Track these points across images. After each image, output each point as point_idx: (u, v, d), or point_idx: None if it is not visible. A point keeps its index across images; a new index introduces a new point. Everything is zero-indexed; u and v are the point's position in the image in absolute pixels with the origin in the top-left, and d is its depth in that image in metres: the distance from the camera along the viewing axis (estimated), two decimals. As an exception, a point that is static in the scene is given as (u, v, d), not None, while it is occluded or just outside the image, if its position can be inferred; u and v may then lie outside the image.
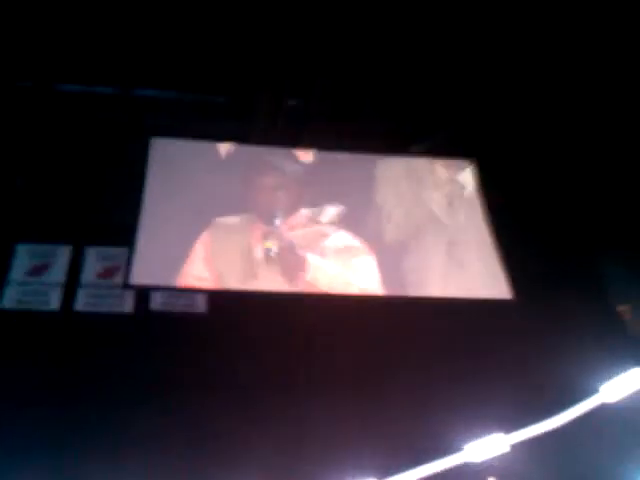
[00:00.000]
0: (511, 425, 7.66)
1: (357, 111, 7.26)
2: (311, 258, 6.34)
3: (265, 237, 6.34)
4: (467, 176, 7.11)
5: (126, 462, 5.87)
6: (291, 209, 6.60)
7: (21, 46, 6.43)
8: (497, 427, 7.72)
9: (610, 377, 7.38)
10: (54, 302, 6.51)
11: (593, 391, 7.49)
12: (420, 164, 7.18)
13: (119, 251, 6.59)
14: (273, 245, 6.25)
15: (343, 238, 6.54)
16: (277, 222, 6.36)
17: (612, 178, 7.13)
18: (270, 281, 6.21)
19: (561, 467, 7.23)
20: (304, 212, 6.60)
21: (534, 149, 7.25)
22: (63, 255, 6.76)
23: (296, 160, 6.92)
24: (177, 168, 6.71)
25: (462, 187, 7.04)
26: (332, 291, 6.32)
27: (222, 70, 6.94)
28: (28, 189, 6.98)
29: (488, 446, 7.95)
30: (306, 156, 6.96)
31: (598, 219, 7.29)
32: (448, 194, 7.06)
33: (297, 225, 6.55)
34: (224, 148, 6.91)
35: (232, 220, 6.47)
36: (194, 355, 6.43)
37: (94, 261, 6.78)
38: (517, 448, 7.61)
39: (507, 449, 7.68)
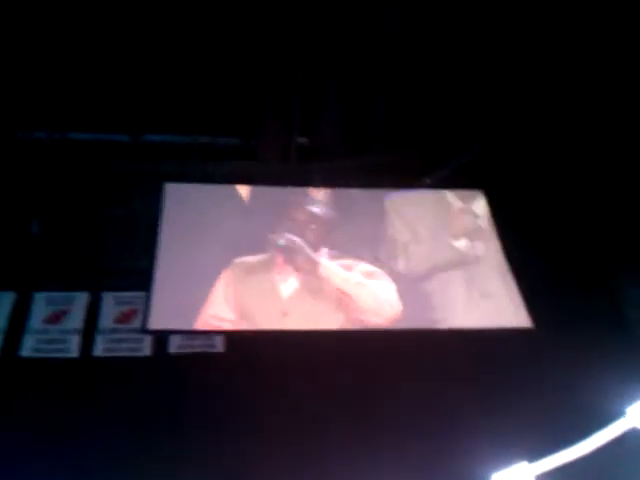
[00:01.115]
0: (537, 453, 7.57)
1: (366, 145, 7.34)
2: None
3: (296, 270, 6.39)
4: (479, 206, 7.13)
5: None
6: (316, 247, 6.60)
7: (35, 97, 6.63)
8: (523, 456, 7.63)
9: (636, 400, 7.31)
10: (73, 349, 6.52)
11: (620, 415, 7.40)
12: (432, 196, 7.22)
13: (136, 295, 6.61)
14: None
15: (365, 267, 6.54)
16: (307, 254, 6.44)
17: (625, 201, 7.13)
18: (300, 317, 6.19)
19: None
20: (326, 251, 6.61)
21: (544, 176, 7.27)
22: (80, 302, 6.80)
23: (316, 199, 6.95)
24: (192, 212, 6.74)
25: (475, 217, 7.04)
26: (344, 291, 6.27)
27: (231, 112, 7.07)
28: (44, 236, 7.06)
29: (514, 476, 7.84)
30: (321, 194, 7.00)
31: (614, 243, 7.27)
32: (462, 225, 7.07)
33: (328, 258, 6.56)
34: (241, 190, 6.92)
35: (253, 259, 6.49)
36: (212, 395, 6.42)
37: (111, 306, 6.82)
38: (545, 477, 7.51)
39: (534, 479, 7.58)
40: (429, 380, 6.93)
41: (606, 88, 6.58)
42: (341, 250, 6.59)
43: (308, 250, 6.42)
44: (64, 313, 6.71)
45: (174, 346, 6.60)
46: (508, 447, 7.34)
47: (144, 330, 6.04)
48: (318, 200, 6.89)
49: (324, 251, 6.56)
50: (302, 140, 7.28)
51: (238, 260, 6.41)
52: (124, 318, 6.75)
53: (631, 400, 7.19)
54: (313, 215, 6.78)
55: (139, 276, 6.39)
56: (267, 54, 6.49)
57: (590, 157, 7.03)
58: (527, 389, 6.88)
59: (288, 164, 7.28)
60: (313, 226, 6.68)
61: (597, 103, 6.71)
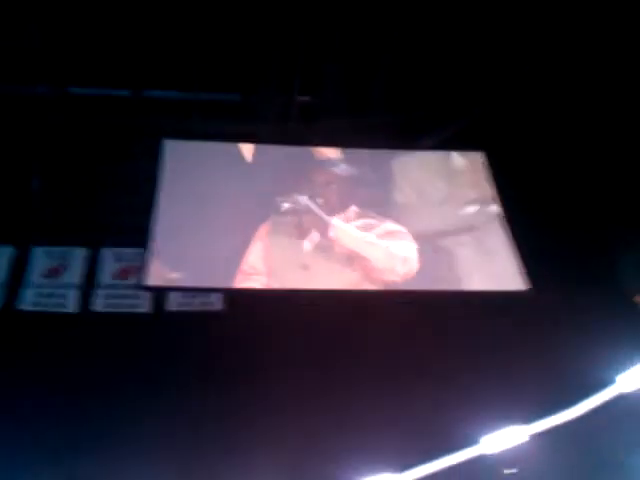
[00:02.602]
0: (528, 417, 7.69)
1: (367, 105, 7.27)
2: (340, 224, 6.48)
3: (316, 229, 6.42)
4: (479, 169, 7.09)
5: (139, 457, 5.96)
6: (341, 205, 6.62)
7: (36, 52, 6.52)
8: (514, 419, 7.76)
9: (626, 368, 7.40)
10: (71, 304, 6.58)
11: (610, 382, 7.50)
12: (438, 157, 7.19)
13: (135, 252, 6.60)
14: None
15: (390, 226, 6.55)
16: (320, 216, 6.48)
17: (625, 167, 7.09)
18: (319, 273, 6.25)
19: (578, 458, 7.24)
20: (354, 209, 6.61)
21: (545, 140, 7.21)
22: (79, 257, 6.83)
23: (330, 158, 6.95)
24: (193, 169, 6.71)
25: (476, 180, 7.01)
26: (355, 251, 6.34)
27: (232, 69, 6.97)
28: (44, 191, 7.04)
29: (505, 438, 7.99)
30: (333, 154, 6.98)
31: (613, 210, 7.26)
32: (467, 187, 7.05)
33: (348, 220, 6.57)
34: (244, 148, 6.88)
35: (277, 219, 6.50)
36: (210, 352, 6.50)
37: (110, 262, 6.86)
38: (534, 440, 7.65)
39: (524, 441, 7.72)
40: (422, 343, 7.02)
41: (609, 51, 6.49)
42: (365, 208, 6.65)
43: (318, 211, 6.45)
44: (63, 268, 6.75)
45: (173, 303, 6.67)
46: (500, 410, 7.48)
47: (140, 286, 6.05)
48: (333, 159, 6.89)
49: (351, 210, 6.60)
50: (303, 99, 7.18)
51: (274, 216, 6.49)
52: (123, 274, 6.78)
53: (622, 368, 7.29)
54: (333, 175, 6.80)
55: (139, 233, 6.37)
56: (270, 9, 6.37)
57: (593, 121, 6.96)
58: (521, 353, 6.97)
59: (289, 123, 7.20)
60: (334, 186, 6.71)
61: (601, 65, 6.62)
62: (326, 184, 6.79)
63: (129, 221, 6.77)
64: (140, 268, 6.22)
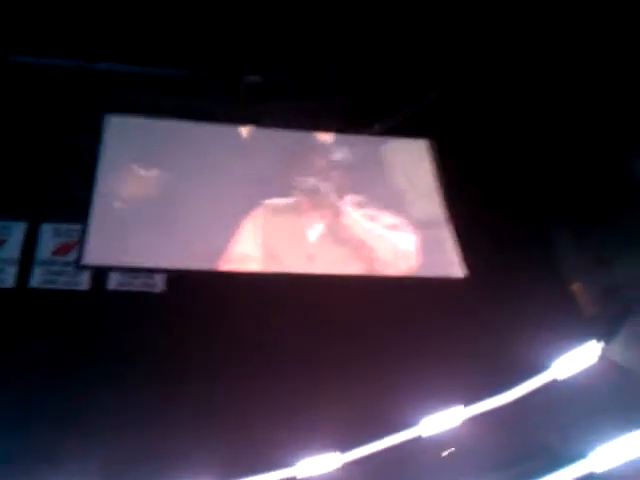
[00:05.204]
0: (465, 400, 7.87)
1: (318, 88, 7.20)
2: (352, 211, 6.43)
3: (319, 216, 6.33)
4: (425, 156, 7.11)
5: (70, 432, 5.93)
6: (343, 192, 6.57)
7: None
8: (451, 402, 7.93)
9: (562, 354, 7.59)
10: (9, 279, 6.43)
11: (545, 367, 7.70)
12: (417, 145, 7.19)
13: (76, 228, 6.46)
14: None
15: (389, 218, 6.51)
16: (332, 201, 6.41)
17: (563, 155, 7.19)
18: (325, 261, 6.20)
19: (512, 441, 7.44)
20: (353, 197, 6.55)
21: (490, 128, 7.26)
22: (18, 231, 6.67)
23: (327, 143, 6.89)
24: (135, 145, 6.57)
25: (419, 166, 7.04)
26: (365, 242, 6.31)
27: (181, 44, 6.82)
28: (-19, 162, 6.84)
29: (442, 420, 8.16)
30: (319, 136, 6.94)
31: (554, 198, 7.38)
32: (410, 173, 7.06)
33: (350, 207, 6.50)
34: (187, 126, 6.74)
35: (280, 201, 6.41)
36: (150, 333, 6.45)
37: (50, 237, 6.71)
38: (470, 422, 7.83)
39: (460, 423, 7.90)
40: (362, 327, 7.09)
41: (553, 40, 6.53)
42: (366, 198, 6.59)
43: (332, 196, 6.38)
44: (1, 242, 6.59)
45: (113, 282, 6.58)
46: (438, 394, 7.63)
47: (78, 264, 5.92)
48: (329, 144, 6.83)
49: (348, 198, 6.54)
50: (253, 78, 7.08)
51: (269, 202, 6.34)
52: (63, 250, 6.65)
53: (557, 354, 7.49)
54: (335, 162, 6.72)
55: (80, 208, 6.25)
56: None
57: (537, 111, 7.04)
58: (457, 338, 7.10)
59: (237, 102, 7.10)
60: (335, 172, 6.64)
61: (547, 57, 6.67)
62: (329, 169, 6.72)
63: (70, 196, 6.60)
64: (79, 245, 6.09)
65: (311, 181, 6.46)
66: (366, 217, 6.43)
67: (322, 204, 6.39)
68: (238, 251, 6.06)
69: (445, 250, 6.51)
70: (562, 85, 6.77)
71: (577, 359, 7.51)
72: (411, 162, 7.09)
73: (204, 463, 7.47)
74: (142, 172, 6.45)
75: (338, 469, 7.90)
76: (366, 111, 7.34)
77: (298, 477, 7.72)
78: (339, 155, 6.80)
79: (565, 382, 7.43)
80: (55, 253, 6.61)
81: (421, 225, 6.57)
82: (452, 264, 6.43)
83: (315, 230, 6.26)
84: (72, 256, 6.44)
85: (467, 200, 6.94)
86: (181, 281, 6.55)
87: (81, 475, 5.89)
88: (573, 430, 7.32)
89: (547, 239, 7.63)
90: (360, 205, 6.49)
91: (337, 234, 6.27)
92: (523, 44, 6.66)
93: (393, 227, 6.47)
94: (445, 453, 8.00)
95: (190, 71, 7.09)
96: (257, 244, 6.11)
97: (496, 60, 6.74)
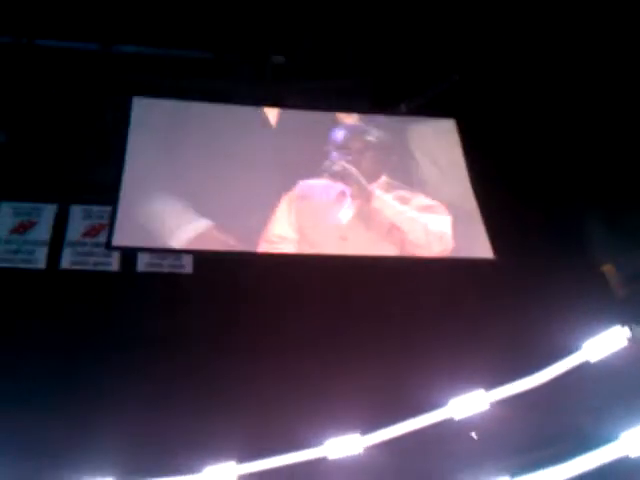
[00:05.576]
0: (494, 382, 7.83)
1: (343, 68, 7.13)
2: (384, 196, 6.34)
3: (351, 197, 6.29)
4: (452, 136, 7.01)
5: (106, 411, 6.01)
6: (374, 174, 6.53)
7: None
8: (480, 384, 7.89)
9: (593, 335, 7.51)
10: (40, 260, 6.51)
11: (576, 349, 7.62)
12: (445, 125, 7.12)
13: (106, 210, 6.48)
14: None
15: (423, 200, 6.46)
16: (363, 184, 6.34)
17: (593, 136, 7.06)
18: (357, 243, 6.07)
19: (542, 423, 7.39)
20: (384, 178, 6.50)
21: (518, 109, 7.13)
22: (48, 213, 6.74)
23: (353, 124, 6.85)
24: (164, 127, 6.53)
25: (445, 148, 6.94)
26: (396, 225, 6.23)
27: (206, 26, 6.79)
28: (11, 145, 6.90)
29: (472, 402, 8.13)
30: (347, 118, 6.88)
31: (582, 180, 7.26)
32: (438, 154, 6.98)
33: (380, 189, 6.45)
34: (211, 108, 6.71)
35: (312, 183, 6.30)
36: (179, 313, 6.51)
37: (80, 220, 6.77)
38: (501, 404, 7.79)
39: (490, 405, 7.86)
40: (391, 309, 7.08)
41: (581, 20, 6.38)
42: (396, 179, 6.51)
43: (362, 180, 6.35)
44: (31, 224, 6.67)
45: (142, 264, 6.62)
46: (466, 376, 7.59)
47: (108, 246, 5.93)
48: (359, 125, 6.77)
49: (382, 180, 6.48)
50: (278, 59, 7.04)
51: (303, 182, 6.25)
52: (93, 232, 6.72)
53: (588, 335, 7.41)
54: (363, 142, 6.67)
55: (110, 191, 6.25)
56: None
57: (567, 94, 6.90)
58: (487, 320, 7.05)
59: (263, 83, 7.06)
60: (368, 154, 6.60)
61: (574, 39, 6.52)
62: (359, 150, 6.62)
63: (100, 178, 6.63)
64: (109, 226, 6.11)
65: (340, 164, 6.40)
66: (397, 199, 6.35)
67: (352, 186, 6.32)
68: (275, 233, 6.02)
69: (474, 231, 6.39)
70: (593, 65, 6.62)
71: (608, 341, 7.43)
72: (439, 142, 6.98)
73: (229, 444, 7.56)
74: (170, 153, 6.42)
75: (364, 450, 7.94)
76: (391, 91, 7.25)
77: (328, 457, 7.79)
78: (367, 136, 6.73)
79: (596, 364, 7.36)
80: (85, 235, 6.67)
81: (450, 206, 6.48)
82: (481, 245, 6.32)
83: (346, 212, 6.21)
84: (102, 238, 6.46)
85: (495, 182, 6.85)
86: (209, 263, 6.58)
87: (115, 451, 6.01)
88: (605, 412, 7.26)
89: (578, 221, 7.52)
90: (392, 186, 6.42)
91: (368, 217, 6.21)
92: (552, 22, 6.52)
93: (425, 209, 6.39)
94: (474, 435, 7.99)
95: (215, 53, 7.05)
96: (290, 225, 6.07)
97: (523, 40, 6.59)
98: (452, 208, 6.45)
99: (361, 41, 6.87)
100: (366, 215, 6.21)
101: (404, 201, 6.37)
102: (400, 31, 6.73)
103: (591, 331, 7.36)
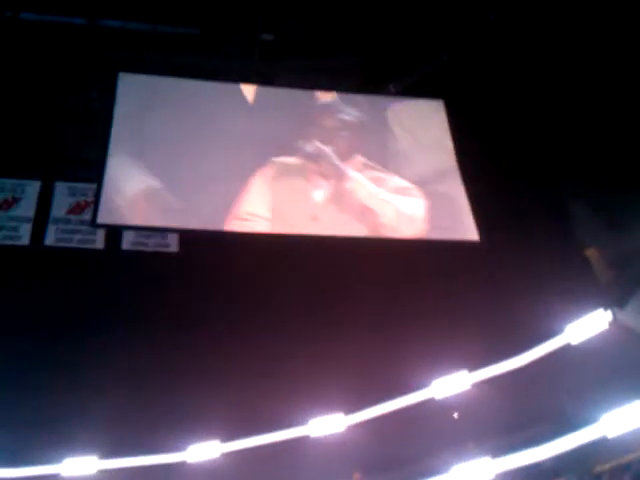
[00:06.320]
0: (477, 364, 7.90)
1: (332, 47, 7.06)
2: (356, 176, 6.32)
3: (325, 177, 6.23)
4: (438, 117, 6.98)
5: (89, 390, 6.02)
6: (349, 154, 6.49)
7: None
8: (463, 366, 7.96)
9: (576, 319, 7.58)
10: (24, 236, 6.45)
11: (559, 332, 7.70)
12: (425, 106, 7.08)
13: (91, 187, 6.44)
14: None
15: (397, 182, 6.41)
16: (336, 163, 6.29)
17: (579, 118, 7.06)
18: (328, 223, 6.04)
19: (524, 405, 7.49)
20: (360, 158, 6.44)
21: (504, 89, 7.11)
22: (32, 190, 6.68)
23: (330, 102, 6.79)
24: (149, 104, 6.45)
25: (429, 128, 6.91)
26: (367, 206, 6.19)
27: (194, 1, 6.68)
28: (-4, 121, 6.81)
29: (454, 383, 8.22)
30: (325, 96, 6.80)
31: (568, 164, 7.28)
32: (423, 135, 6.95)
33: (355, 169, 6.40)
34: (194, 84, 6.65)
35: (287, 161, 6.25)
36: (163, 291, 6.49)
37: (65, 196, 6.73)
38: (482, 385, 7.88)
39: (471, 386, 7.95)
40: (374, 288, 7.10)
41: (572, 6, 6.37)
42: (374, 159, 6.44)
43: (336, 160, 6.30)
44: (15, 200, 6.61)
45: (127, 242, 6.59)
46: (450, 357, 7.66)
47: (93, 223, 5.87)
48: (335, 104, 6.70)
49: (357, 160, 6.42)
50: (267, 36, 6.95)
51: (276, 159, 6.20)
52: (78, 209, 6.67)
53: (570, 318, 7.48)
54: (343, 122, 6.62)
55: (95, 167, 6.18)
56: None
57: (553, 74, 6.89)
58: (471, 301, 7.10)
59: (251, 61, 6.97)
60: (342, 133, 6.55)
61: (564, 21, 6.50)
62: (335, 130, 6.55)
63: (85, 155, 6.57)
64: (94, 203, 6.06)
65: (314, 143, 6.35)
66: (372, 180, 6.31)
67: (325, 166, 6.29)
68: (247, 210, 5.99)
69: (459, 213, 6.39)
70: (579, 48, 6.61)
71: (590, 324, 7.51)
72: (425, 123, 6.95)
73: (213, 423, 7.60)
74: (154, 130, 6.36)
75: (347, 429, 8.01)
76: (380, 71, 7.20)
77: (311, 436, 7.87)
78: (348, 116, 6.67)
79: (578, 347, 7.44)
80: (70, 212, 6.62)
81: (435, 188, 6.46)
82: (466, 227, 6.32)
83: (320, 192, 6.18)
84: (87, 215, 6.42)
85: (482, 163, 6.85)
86: (194, 241, 6.56)
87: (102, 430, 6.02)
88: (585, 394, 7.36)
89: (562, 204, 7.55)
90: (367, 167, 6.39)
91: (341, 197, 6.19)
92: (542, 3, 6.49)
93: (400, 191, 6.36)
94: (456, 415, 8.08)
95: (203, 29, 6.95)
96: (265, 204, 6.04)
97: (514, 20, 6.56)
98: (434, 189, 6.43)
99: (351, 20, 6.77)
100: (339, 195, 6.19)
101: (379, 182, 6.33)
102: (390, 10, 6.65)
103: (574, 314, 7.43)
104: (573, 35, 6.48)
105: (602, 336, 7.37)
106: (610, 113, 6.91)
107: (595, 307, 7.40)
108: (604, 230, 7.33)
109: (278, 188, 6.15)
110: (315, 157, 6.31)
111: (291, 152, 6.35)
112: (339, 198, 6.16)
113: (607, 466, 7.58)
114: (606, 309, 7.33)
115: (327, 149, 6.31)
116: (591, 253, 7.44)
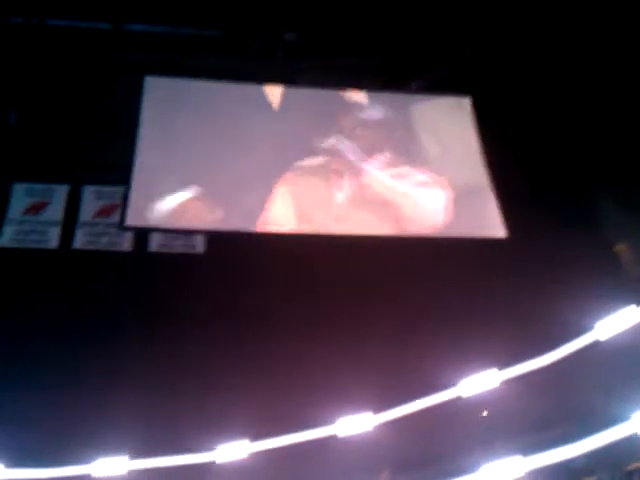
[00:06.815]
0: (506, 362, 7.83)
1: (355, 46, 7.05)
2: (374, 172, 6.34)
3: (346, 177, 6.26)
4: (465, 113, 6.93)
5: (118, 390, 6.07)
6: (373, 151, 6.49)
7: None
8: (492, 364, 7.90)
9: (605, 315, 7.49)
10: (52, 240, 6.54)
11: (588, 329, 7.61)
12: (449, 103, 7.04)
13: (117, 190, 6.49)
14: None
15: (420, 176, 6.41)
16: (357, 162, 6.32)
17: (607, 117, 6.98)
18: (352, 222, 6.07)
19: (554, 402, 7.41)
20: (385, 155, 6.45)
21: (529, 85, 7.05)
22: (61, 194, 6.77)
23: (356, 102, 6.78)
24: (175, 107, 6.51)
25: (460, 125, 6.86)
26: (387, 200, 6.19)
27: (217, 3, 6.71)
28: (22, 126, 6.90)
29: (483, 381, 8.15)
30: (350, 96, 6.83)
31: (596, 160, 7.19)
32: (449, 131, 6.91)
33: (378, 167, 6.40)
34: (221, 86, 6.68)
35: (309, 163, 6.29)
36: (190, 293, 6.53)
37: (92, 200, 6.81)
38: (512, 383, 7.81)
39: (501, 384, 7.88)
40: (403, 287, 7.07)
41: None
42: (399, 156, 6.48)
43: (352, 157, 6.31)
44: (44, 205, 6.70)
45: (154, 244, 6.65)
46: (479, 355, 7.60)
47: (121, 226, 5.94)
48: (360, 103, 6.71)
49: (382, 157, 6.45)
50: (290, 36, 6.95)
51: (299, 163, 6.25)
52: (105, 212, 6.74)
53: (601, 315, 7.39)
54: (366, 120, 6.63)
55: (122, 170, 6.25)
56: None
57: (581, 74, 6.81)
58: (499, 299, 7.04)
59: (274, 61, 6.98)
60: (363, 132, 6.55)
61: (592, 16, 6.41)
62: (357, 128, 6.59)
63: (112, 158, 6.63)
64: (121, 206, 6.12)
65: (331, 141, 6.36)
66: (394, 176, 6.31)
67: (344, 164, 6.29)
68: (273, 212, 6.01)
69: (486, 210, 6.35)
70: (607, 45, 6.52)
71: (621, 321, 7.41)
72: (451, 120, 6.91)
73: (242, 423, 7.63)
74: (180, 133, 6.40)
75: (374, 428, 7.99)
76: (403, 69, 7.17)
77: (339, 435, 7.86)
78: (372, 113, 6.69)
79: (609, 343, 7.35)
80: (97, 215, 6.69)
81: (461, 184, 6.42)
82: (493, 224, 6.28)
83: (341, 191, 6.18)
84: (114, 218, 6.49)
85: (509, 160, 6.78)
86: (220, 243, 6.59)
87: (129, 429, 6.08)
88: (616, 391, 7.26)
89: (592, 201, 7.47)
90: (391, 164, 6.37)
91: (361, 194, 6.19)
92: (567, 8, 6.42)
93: (422, 184, 6.34)
94: (485, 413, 8.02)
95: (226, 31, 6.98)
96: (289, 206, 6.05)
97: (540, 16, 6.48)
98: (460, 185, 6.40)
99: (373, 19, 6.76)
100: (359, 192, 6.19)
101: (402, 177, 6.32)
102: (413, 8, 6.62)
103: (604, 311, 7.33)
104: (596, 33, 6.40)
105: (633, 332, 7.26)
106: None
107: (626, 303, 7.29)
108: (633, 226, 7.24)
109: (302, 189, 6.16)
110: (340, 156, 6.32)
111: (316, 152, 6.36)
112: (359, 195, 6.16)
113: (639, 464, 7.49)
114: (638, 305, 7.24)
115: (352, 147, 6.31)
116: (621, 249, 7.35)
